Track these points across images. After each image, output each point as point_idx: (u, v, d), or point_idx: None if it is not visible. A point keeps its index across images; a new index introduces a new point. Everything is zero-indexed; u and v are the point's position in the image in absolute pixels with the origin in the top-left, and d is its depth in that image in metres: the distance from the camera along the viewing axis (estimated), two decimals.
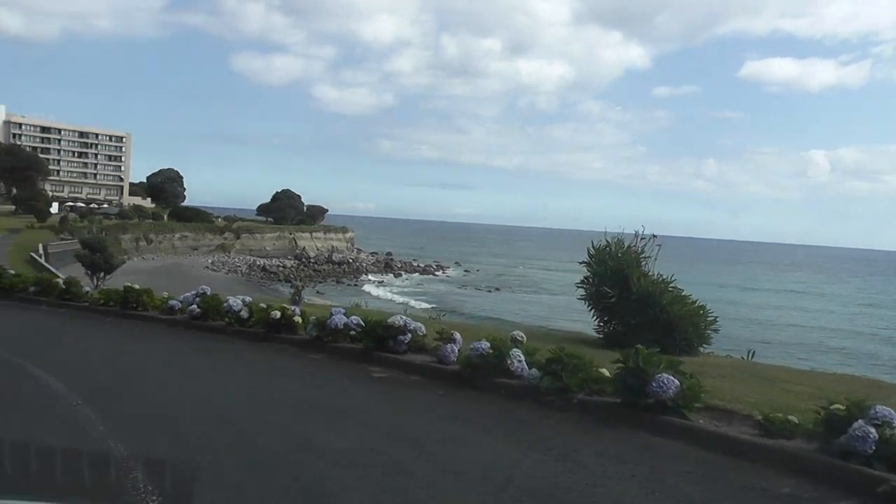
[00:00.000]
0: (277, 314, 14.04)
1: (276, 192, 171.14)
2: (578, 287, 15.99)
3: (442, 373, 11.03)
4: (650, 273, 14.96)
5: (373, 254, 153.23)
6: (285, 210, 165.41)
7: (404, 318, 12.34)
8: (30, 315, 18.26)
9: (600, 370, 9.49)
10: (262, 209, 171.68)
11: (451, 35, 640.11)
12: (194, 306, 15.81)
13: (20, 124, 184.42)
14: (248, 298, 15.50)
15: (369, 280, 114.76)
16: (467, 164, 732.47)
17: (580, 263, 15.92)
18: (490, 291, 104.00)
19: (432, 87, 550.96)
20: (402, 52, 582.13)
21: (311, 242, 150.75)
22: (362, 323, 12.82)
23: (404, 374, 11.23)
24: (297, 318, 14.02)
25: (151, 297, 17.48)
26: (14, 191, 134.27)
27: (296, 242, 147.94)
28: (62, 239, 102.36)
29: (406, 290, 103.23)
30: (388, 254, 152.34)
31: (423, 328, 12.32)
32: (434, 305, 72.89)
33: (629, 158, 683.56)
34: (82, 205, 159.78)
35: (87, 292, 18.79)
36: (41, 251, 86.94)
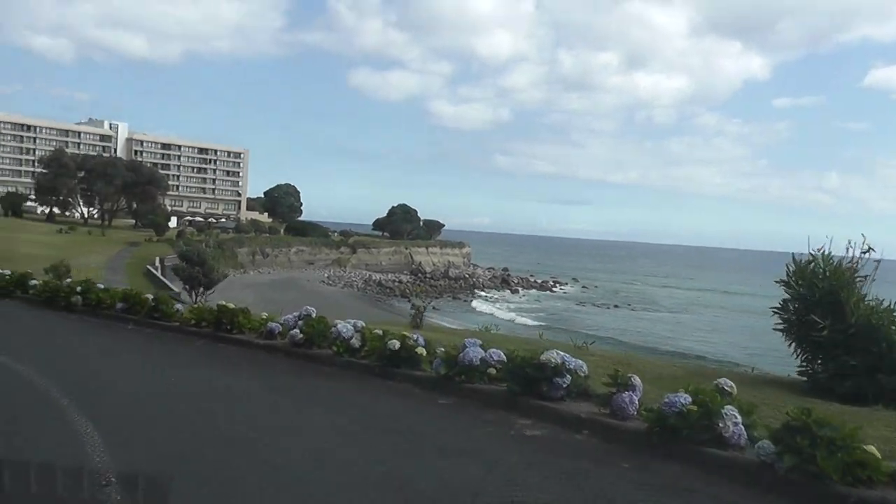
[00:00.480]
0: (396, 344, 11.26)
1: (393, 207, 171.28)
2: (775, 313, 12.55)
3: (618, 432, 8.03)
4: (869, 298, 11.57)
5: (489, 269, 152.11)
6: (401, 225, 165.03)
7: (561, 353, 9.38)
8: (111, 335, 16.05)
9: (865, 447, 6.34)
10: (378, 224, 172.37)
11: (567, 49, 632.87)
12: (297, 331, 13.18)
13: (142, 141, 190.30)
14: (360, 323, 12.77)
15: (480, 296, 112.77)
16: (583, 179, 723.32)
17: (777, 283, 12.47)
18: (609, 308, 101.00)
19: (548, 101, 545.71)
20: (519, 67, 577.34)
21: (427, 257, 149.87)
22: (504, 358, 9.99)
23: (566, 433, 8.26)
24: (421, 350, 11.23)
25: (248, 317, 14.96)
26: (134, 205, 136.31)
27: (412, 257, 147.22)
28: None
29: (523, 306, 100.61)
30: (505, 269, 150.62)
31: (585, 367, 9.36)
32: (543, 323, 69.80)
33: (749, 172, 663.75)
34: (200, 219, 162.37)
35: (177, 310, 16.43)
36: (157, 264, 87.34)
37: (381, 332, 12.33)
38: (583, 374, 9.26)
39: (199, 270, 23.66)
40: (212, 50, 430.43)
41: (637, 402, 8.29)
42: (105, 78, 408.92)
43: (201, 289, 24.13)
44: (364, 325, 12.81)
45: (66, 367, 11.90)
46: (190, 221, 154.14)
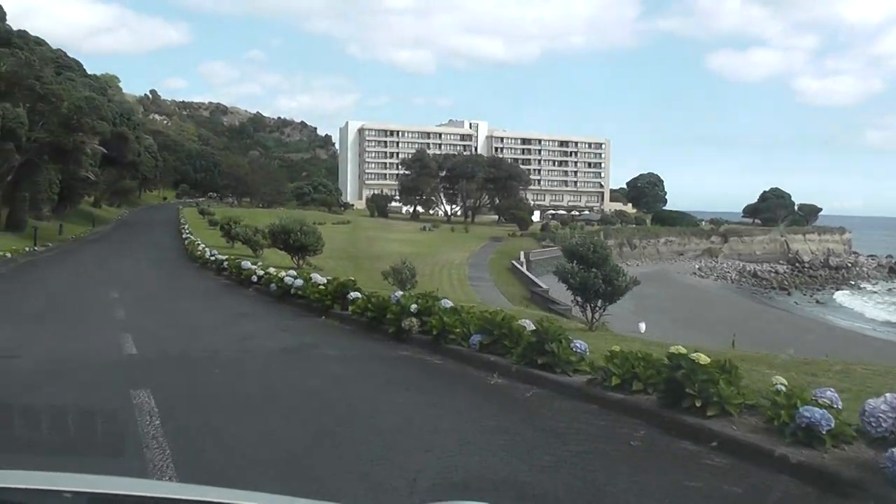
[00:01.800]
0: None
1: (764, 192, 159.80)
2: None
3: None
4: None
5: (870, 257, 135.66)
6: (774, 210, 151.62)
7: None
8: (460, 406, 8.41)
9: None
10: (749, 210, 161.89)
11: None
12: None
13: (501, 138, 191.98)
14: None
15: (855, 286, 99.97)
16: None
17: None
18: None
19: None
20: (893, 31, 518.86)
21: (805, 245, 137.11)
22: None
23: None
24: None
25: (735, 382, 6.81)
26: (496, 201, 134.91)
27: (787, 245, 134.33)
28: (544, 246, 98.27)
29: None
30: (889, 257, 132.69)
31: None
32: None
33: None
34: (563, 212, 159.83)
35: (578, 353, 8.54)
36: (522, 259, 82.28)
37: None
38: None
39: (596, 274, 15.40)
40: (567, 46, 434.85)
41: None
42: (464, 83, 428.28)
43: (599, 302, 15.75)
44: None
45: None
46: (553, 215, 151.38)
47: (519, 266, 77.00)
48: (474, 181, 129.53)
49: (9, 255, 30.34)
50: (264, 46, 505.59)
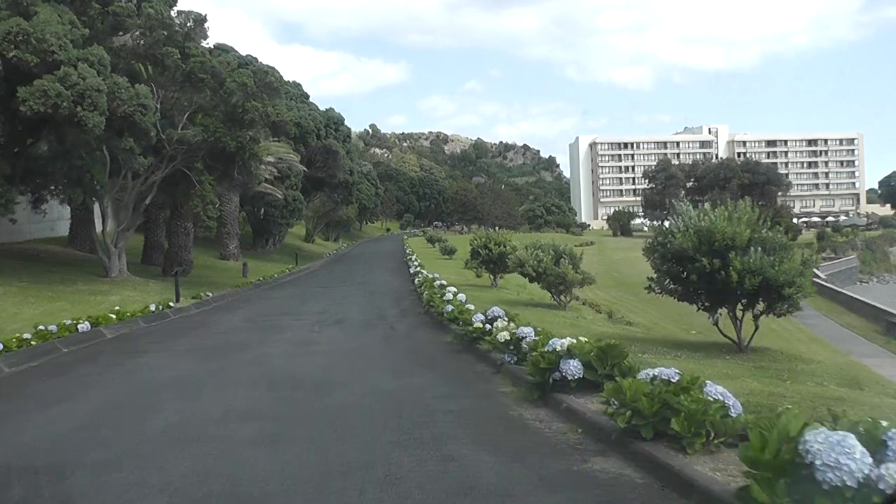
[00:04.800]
0: None
1: None
2: None
3: None
4: None
5: None
6: None
7: None
8: None
9: None
10: None
11: None
12: None
13: (744, 142, 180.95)
14: None
15: None
16: None
17: None
18: None
19: None
20: None
21: None
22: None
23: None
24: None
25: None
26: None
27: None
28: (824, 259, 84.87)
29: None
30: None
31: None
32: None
33: None
34: (817, 219, 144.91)
35: None
36: (822, 275, 69.46)
37: None
38: None
39: None
40: (790, 48, 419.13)
41: None
42: (682, 96, 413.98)
43: None
44: None
45: None
46: (806, 222, 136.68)
47: (828, 284, 63.42)
48: (727, 189, 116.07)
49: (82, 327, 16.83)
50: (481, 77, 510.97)
